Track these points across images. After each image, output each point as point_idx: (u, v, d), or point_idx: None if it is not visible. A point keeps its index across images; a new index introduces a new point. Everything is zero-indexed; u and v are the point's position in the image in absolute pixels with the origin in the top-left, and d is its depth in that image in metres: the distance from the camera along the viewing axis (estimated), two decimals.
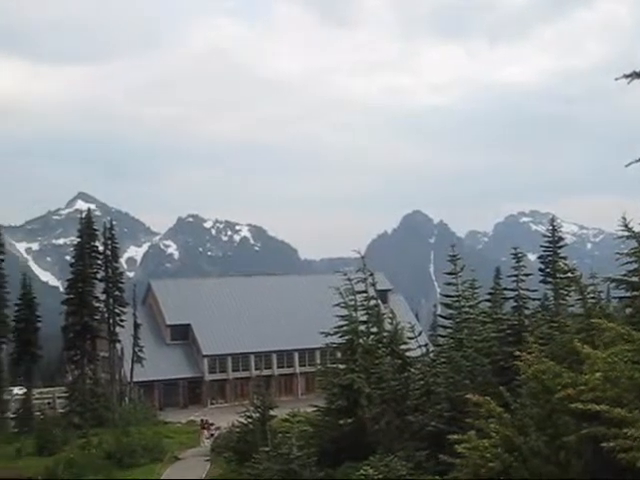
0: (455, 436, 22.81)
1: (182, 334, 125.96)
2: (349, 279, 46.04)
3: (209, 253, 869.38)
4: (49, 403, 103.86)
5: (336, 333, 45.84)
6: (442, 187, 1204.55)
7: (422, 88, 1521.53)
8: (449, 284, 42.31)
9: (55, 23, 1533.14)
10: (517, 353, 24.22)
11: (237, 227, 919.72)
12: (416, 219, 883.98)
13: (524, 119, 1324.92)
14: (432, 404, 35.99)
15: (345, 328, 45.50)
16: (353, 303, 45.85)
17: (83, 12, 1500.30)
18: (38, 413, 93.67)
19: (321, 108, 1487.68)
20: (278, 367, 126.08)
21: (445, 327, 43.64)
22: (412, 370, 40.42)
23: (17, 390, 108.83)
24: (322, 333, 46.67)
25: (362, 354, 44.19)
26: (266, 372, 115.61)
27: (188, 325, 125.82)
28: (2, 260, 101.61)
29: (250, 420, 56.58)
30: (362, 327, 45.77)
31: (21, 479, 70.94)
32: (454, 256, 41.54)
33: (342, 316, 45.95)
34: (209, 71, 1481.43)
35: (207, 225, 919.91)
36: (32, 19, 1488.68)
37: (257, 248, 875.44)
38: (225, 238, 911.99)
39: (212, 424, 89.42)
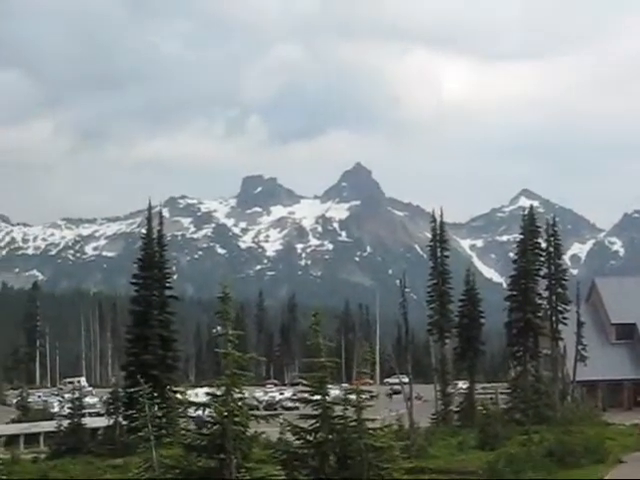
0: None
1: (627, 333, 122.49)
2: None
3: None
4: (491, 398, 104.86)
5: None
6: None
7: None
8: None
9: (502, 22, 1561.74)
10: None
11: None
12: None
13: None
14: None
15: None
16: None
17: (525, 10, 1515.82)
18: (481, 408, 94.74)
19: None
20: None
21: None
22: None
23: (461, 384, 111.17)
24: None
25: None
26: None
27: (634, 324, 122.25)
28: (447, 257, 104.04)
29: None
30: None
31: (465, 471, 72.29)
32: None
33: None
34: None
35: None
36: (481, 20, 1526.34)
37: None
38: None
39: None
